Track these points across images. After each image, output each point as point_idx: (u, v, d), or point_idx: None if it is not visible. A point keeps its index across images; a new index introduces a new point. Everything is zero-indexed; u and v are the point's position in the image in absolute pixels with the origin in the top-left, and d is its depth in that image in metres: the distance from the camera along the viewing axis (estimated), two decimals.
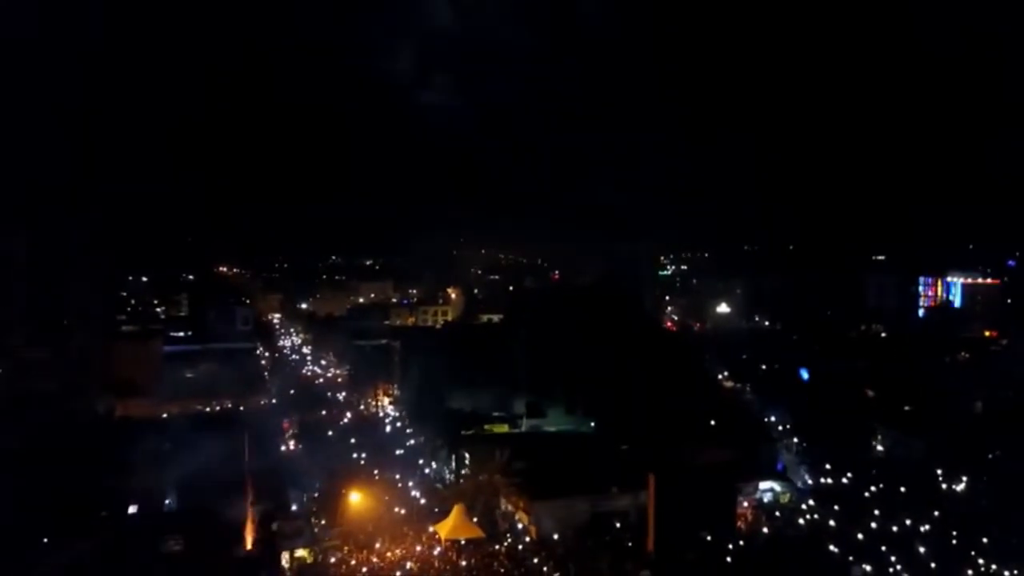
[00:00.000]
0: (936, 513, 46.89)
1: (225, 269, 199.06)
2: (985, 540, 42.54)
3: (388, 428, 73.67)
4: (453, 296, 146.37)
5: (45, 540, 39.33)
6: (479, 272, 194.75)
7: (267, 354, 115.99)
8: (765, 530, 48.32)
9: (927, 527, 45.36)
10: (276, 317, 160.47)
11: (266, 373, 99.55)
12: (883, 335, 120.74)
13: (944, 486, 53.20)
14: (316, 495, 52.91)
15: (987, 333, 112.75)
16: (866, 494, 51.71)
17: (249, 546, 40.66)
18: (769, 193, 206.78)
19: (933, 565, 40.65)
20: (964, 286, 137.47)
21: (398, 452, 64.00)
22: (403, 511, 50.47)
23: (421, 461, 61.72)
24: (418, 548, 45.19)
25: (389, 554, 44.34)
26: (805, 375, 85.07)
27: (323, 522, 48.53)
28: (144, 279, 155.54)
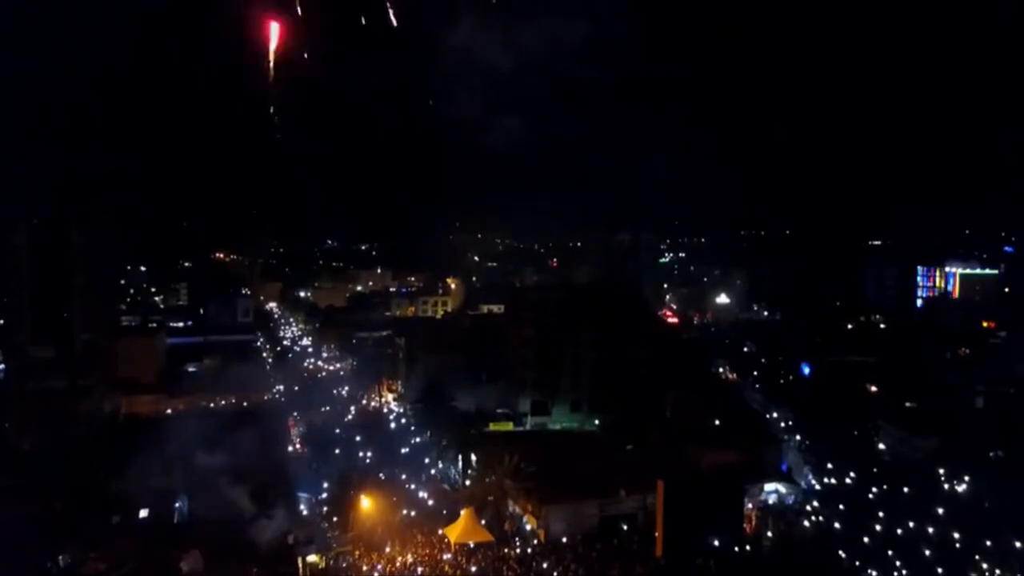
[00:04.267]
0: (940, 511, 47.35)
1: (222, 255, 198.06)
2: (988, 543, 42.98)
3: (393, 425, 73.64)
4: (453, 286, 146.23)
5: (57, 554, 39.30)
6: (476, 258, 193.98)
7: (268, 346, 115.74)
8: (770, 533, 48.71)
9: (932, 529, 45.76)
10: (274, 306, 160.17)
11: (267, 367, 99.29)
12: (882, 327, 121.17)
13: (947, 486, 53.58)
14: (325, 497, 52.90)
15: (985, 324, 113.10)
16: (870, 495, 52.11)
17: (265, 556, 40.70)
18: (766, 180, 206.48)
19: (940, 571, 41.05)
20: (962, 276, 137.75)
21: (404, 451, 64.08)
22: (412, 513, 50.56)
23: (427, 460, 61.81)
24: (428, 552, 45.43)
25: (400, 559, 44.60)
26: (806, 370, 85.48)
27: (334, 523, 48.65)
28: (142, 268, 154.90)
